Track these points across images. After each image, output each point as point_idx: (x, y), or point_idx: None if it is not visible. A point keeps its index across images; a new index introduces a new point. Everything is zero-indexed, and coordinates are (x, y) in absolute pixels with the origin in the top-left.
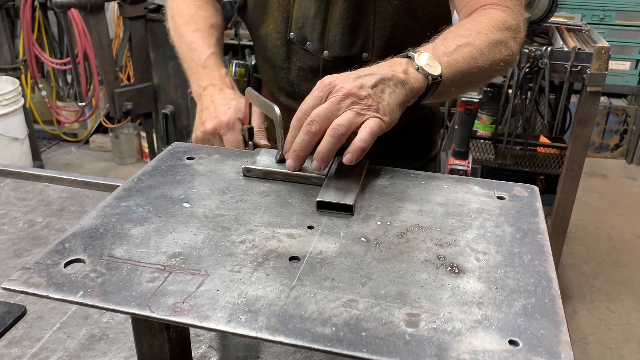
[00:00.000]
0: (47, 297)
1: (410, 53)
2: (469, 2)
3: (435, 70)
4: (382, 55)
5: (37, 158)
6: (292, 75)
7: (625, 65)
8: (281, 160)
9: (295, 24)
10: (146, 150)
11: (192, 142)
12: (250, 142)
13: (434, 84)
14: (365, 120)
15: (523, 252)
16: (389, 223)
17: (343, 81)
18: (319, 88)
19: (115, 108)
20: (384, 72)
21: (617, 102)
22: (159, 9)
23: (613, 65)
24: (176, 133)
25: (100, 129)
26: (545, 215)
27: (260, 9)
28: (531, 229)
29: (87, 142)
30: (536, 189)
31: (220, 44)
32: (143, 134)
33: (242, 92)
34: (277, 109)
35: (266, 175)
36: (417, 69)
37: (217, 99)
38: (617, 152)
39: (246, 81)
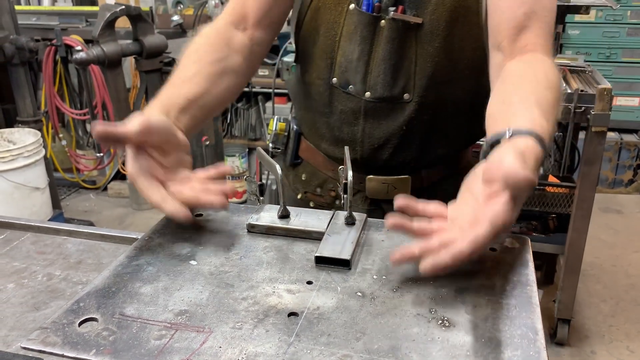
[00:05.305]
0: (63, 356)
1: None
2: (512, 43)
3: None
4: (423, 96)
5: (56, 206)
6: (333, 119)
7: (635, 101)
8: (282, 216)
9: (338, 68)
10: None
11: None
12: (262, 197)
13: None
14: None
15: (512, 304)
16: (384, 277)
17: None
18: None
19: None
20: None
21: (629, 138)
22: (174, 62)
23: (622, 101)
24: None
25: (119, 176)
26: (559, 255)
27: (304, 58)
28: (521, 281)
29: (105, 189)
30: (528, 240)
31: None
32: None
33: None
34: (278, 168)
35: (269, 231)
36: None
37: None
38: (632, 187)
39: (286, 135)
